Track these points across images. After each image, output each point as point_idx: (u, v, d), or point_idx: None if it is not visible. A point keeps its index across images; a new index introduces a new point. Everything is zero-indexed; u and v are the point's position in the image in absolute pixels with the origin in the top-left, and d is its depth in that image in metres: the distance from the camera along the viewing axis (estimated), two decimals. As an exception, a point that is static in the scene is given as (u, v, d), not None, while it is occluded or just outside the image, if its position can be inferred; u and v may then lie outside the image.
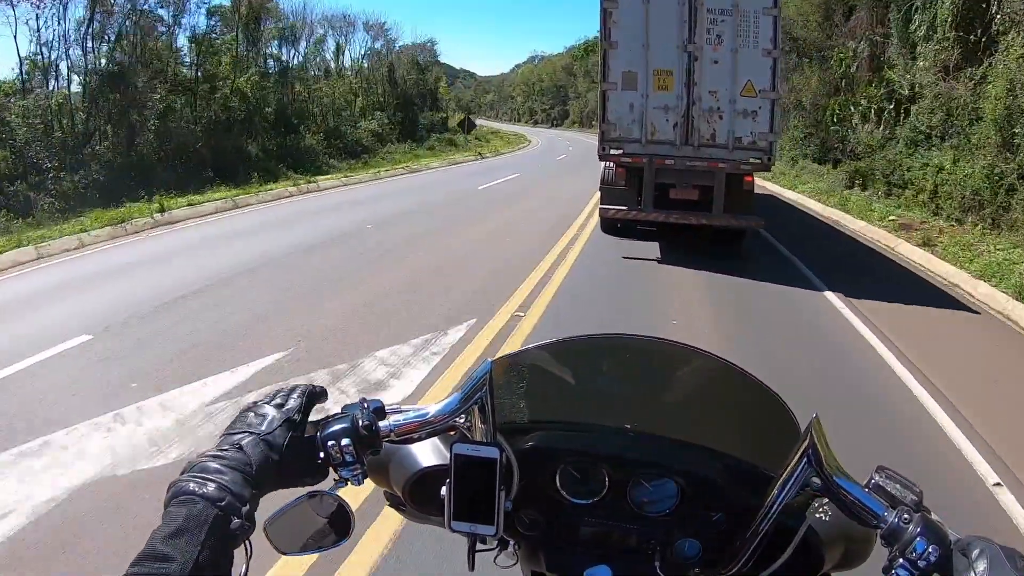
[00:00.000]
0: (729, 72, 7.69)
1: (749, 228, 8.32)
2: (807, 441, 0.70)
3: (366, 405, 0.76)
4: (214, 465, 0.64)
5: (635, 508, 0.81)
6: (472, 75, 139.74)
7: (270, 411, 0.72)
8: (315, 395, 0.76)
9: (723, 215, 7.98)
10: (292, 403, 0.73)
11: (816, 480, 0.69)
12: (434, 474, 0.82)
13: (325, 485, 0.74)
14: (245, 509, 0.62)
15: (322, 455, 0.72)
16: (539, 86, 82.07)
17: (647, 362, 0.97)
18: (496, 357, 0.85)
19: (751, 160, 7.97)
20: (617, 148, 8.27)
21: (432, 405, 0.79)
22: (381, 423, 0.76)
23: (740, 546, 0.75)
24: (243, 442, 0.68)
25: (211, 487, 0.62)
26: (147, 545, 0.58)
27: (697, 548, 0.79)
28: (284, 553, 0.74)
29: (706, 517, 0.80)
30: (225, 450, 0.67)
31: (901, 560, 0.63)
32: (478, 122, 42.89)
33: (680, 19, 7.68)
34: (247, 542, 0.63)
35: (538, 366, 0.97)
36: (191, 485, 0.62)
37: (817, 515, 0.77)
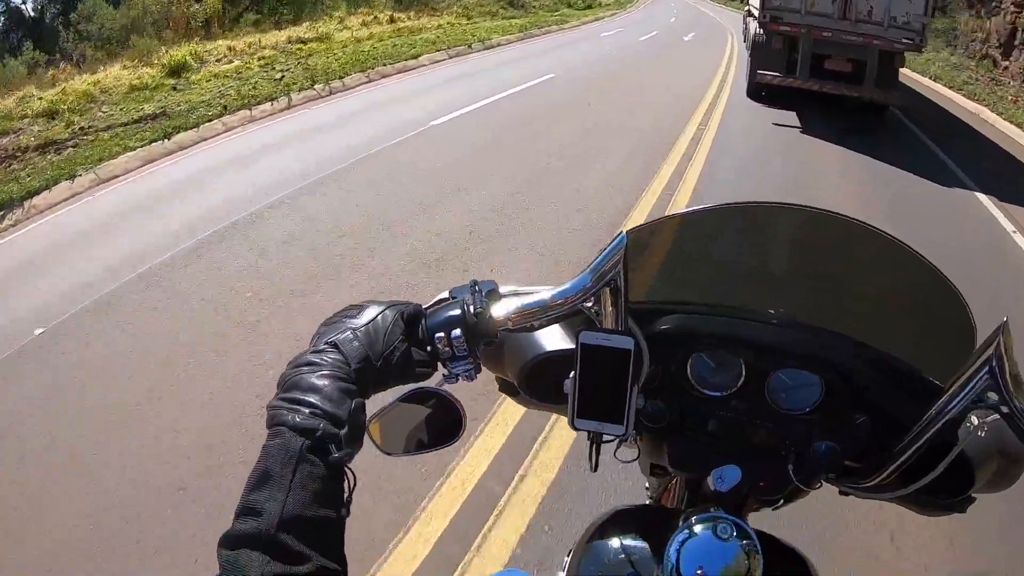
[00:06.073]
0: (891, -50, 7.69)
1: (891, 102, 8.81)
2: (993, 348, 0.57)
3: (477, 288, 0.68)
4: (307, 380, 0.57)
5: (772, 404, 0.72)
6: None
7: (368, 304, 0.66)
8: (412, 315, 0.66)
9: (873, 89, 8.55)
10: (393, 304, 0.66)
11: (992, 395, 0.57)
12: (556, 359, 0.73)
13: (432, 380, 0.67)
14: (343, 432, 0.55)
15: (428, 348, 0.65)
16: None
17: (803, 236, 0.82)
18: (630, 228, 0.71)
19: (904, 40, 8.21)
20: (777, 15, 8.81)
21: (552, 287, 0.68)
22: (494, 308, 0.67)
23: (888, 457, 0.65)
24: (338, 338, 0.61)
25: (301, 415, 0.54)
26: (241, 496, 0.52)
27: (835, 451, 0.69)
28: (389, 454, 0.70)
29: (849, 419, 0.70)
30: (319, 351, 0.60)
31: None
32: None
33: None
34: (348, 470, 0.55)
35: (674, 238, 0.85)
36: (282, 412, 0.55)
37: (974, 431, 0.65)
